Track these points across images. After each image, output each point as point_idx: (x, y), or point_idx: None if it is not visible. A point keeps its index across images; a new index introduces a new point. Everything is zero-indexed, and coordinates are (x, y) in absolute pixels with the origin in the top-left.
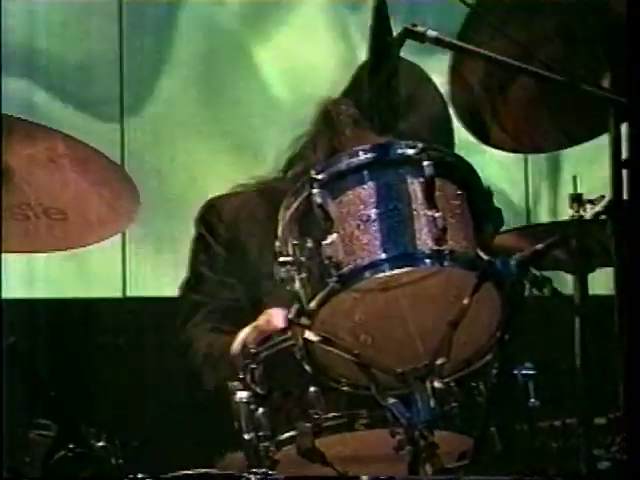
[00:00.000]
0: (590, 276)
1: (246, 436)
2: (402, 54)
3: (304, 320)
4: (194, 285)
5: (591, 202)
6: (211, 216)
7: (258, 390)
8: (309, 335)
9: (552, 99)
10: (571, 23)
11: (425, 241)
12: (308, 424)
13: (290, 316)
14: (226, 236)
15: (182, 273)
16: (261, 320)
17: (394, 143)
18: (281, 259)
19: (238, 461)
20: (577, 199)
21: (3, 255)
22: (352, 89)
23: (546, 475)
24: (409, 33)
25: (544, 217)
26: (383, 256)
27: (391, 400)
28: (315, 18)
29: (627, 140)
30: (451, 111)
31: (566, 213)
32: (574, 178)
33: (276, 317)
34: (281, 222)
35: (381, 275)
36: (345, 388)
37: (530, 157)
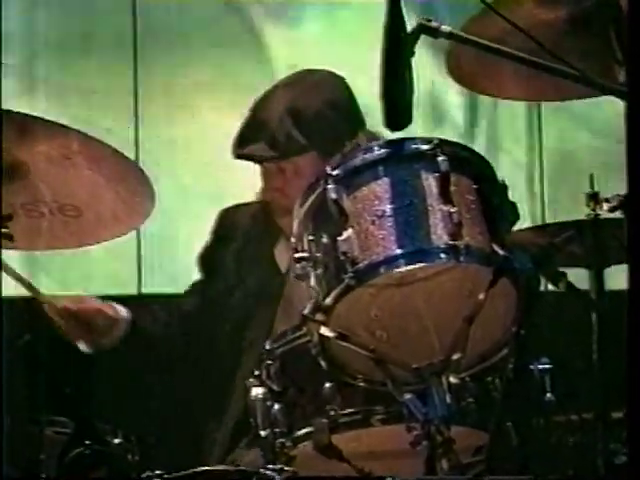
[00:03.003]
0: (607, 271)
1: (262, 432)
2: None
3: (320, 316)
4: (199, 289)
5: (607, 200)
6: (225, 224)
7: (274, 386)
8: (325, 331)
9: None
10: (583, 11)
11: (441, 236)
12: (324, 420)
13: (306, 312)
14: (238, 247)
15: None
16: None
17: (408, 138)
18: (297, 255)
19: (249, 457)
20: (593, 197)
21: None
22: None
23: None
24: (423, 28)
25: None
26: (398, 252)
27: (407, 395)
28: None
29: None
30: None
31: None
32: (591, 176)
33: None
34: (296, 218)
35: (397, 271)
36: (361, 384)
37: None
